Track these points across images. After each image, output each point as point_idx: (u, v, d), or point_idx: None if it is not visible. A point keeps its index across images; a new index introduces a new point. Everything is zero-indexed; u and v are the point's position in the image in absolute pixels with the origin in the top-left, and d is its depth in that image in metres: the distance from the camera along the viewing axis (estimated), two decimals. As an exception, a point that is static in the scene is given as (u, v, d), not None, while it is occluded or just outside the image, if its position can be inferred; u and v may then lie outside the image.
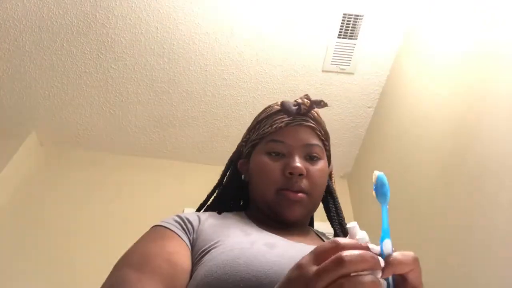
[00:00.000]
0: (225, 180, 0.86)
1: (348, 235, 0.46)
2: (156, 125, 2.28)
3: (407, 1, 1.85)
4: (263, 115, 0.82)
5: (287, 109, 0.77)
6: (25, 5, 1.86)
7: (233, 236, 0.64)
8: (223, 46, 1.98)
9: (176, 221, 0.69)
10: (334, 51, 1.97)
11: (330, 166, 0.85)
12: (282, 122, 0.77)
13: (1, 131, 2.23)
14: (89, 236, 2.01)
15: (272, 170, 0.73)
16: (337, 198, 0.86)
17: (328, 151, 0.83)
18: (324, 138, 0.81)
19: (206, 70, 2.06)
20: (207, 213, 0.77)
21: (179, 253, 0.62)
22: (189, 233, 0.67)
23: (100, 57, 2.02)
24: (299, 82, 2.09)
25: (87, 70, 2.07)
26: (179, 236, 0.65)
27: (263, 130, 0.78)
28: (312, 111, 0.81)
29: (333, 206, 0.84)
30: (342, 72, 2.05)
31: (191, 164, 2.41)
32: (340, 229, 0.81)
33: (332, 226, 0.82)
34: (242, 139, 0.87)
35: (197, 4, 1.86)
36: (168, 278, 0.57)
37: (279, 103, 0.80)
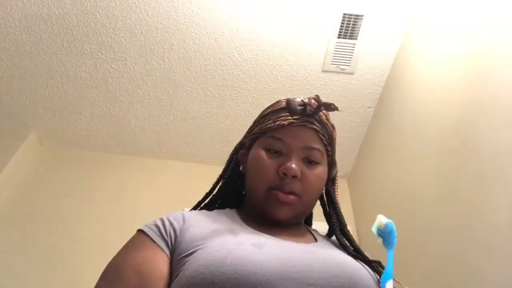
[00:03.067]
0: (228, 170, 0.85)
1: None
2: (156, 125, 2.28)
3: (407, 1, 1.85)
4: (269, 110, 0.80)
5: (292, 108, 0.75)
6: (25, 5, 1.86)
7: (219, 237, 0.63)
8: (223, 46, 1.98)
9: (156, 225, 0.69)
10: (334, 51, 1.98)
11: (334, 171, 0.82)
12: (285, 120, 0.74)
13: (1, 131, 2.23)
14: (89, 236, 2.01)
15: (266, 167, 0.72)
16: (338, 204, 0.82)
17: (330, 156, 0.79)
18: (328, 142, 0.77)
19: (206, 70, 2.07)
20: (195, 212, 0.77)
21: (149, 263, 0.62)
22: (169, 236, 0.67)
23: (100, 57, 2.02)
24: (299, 82, 2.09)
25: (87, 70, 2.07)
26: (155, 242, 0.66)
27: (266, 124, 0.77)
28: (321, 113, 0.77)
29: (334, 213, 0.80)
30: (342, 72, 2.05)
31: (191, 164, 2.41)
32: (344, 236, 0.77)
33: (334, 234, 0.78)
34: (247, 130, 0.86)
35: (197, 4, 1.87)
36: (136, 285, 0.59)
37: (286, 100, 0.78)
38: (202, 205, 0.87)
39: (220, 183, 0.85)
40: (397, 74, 1.98)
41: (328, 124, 0.79)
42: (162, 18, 1.90)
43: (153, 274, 0.61)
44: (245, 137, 0.86)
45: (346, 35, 1.94)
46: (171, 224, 0.69)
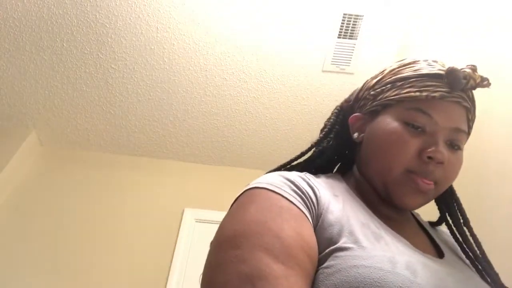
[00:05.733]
0: (331, 133, 0.70)
1: None
2: (156, 125, 2.28)
3: (407, 1, 1.85)
4: (409, 72, 0.63)
5: (453, 80, 0.60)
6: (25, 5, 1.86)
7: (362, 238, 0.51)
8: (223, 46, 1.98)
9: (295, 192, 0.55)
10: (334, 51, 1.98)
11: None
12: (436, 91, 0.59)
13: (1, 131, 2.23)
14: (89, 235, 2.01)
15: (406, 145, 0.58)
16: (458, 198, 0.69)
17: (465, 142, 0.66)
18: (471, 125, 0.65)
19: (206, 70, 2.07)
20: (312, 179, 0.61)
21: (314, 242, 0.50)
22: (313, 213, 0.54)
23: (100, 57, 2.02)
24: (299, 82, 2.09)
25: (87, 70, 2.07)
26: (307, 217, 0.52)
27: (407, 91, 0.61)
28: (472, 97, 0.64)
29: (453, 202, 0.68)
30: (342, 72, 2.05)
31: (191, 164, 2.42)
32: (471, 235, 0.65)
33: (457, 231, 0.66)
34: (367, 89, 0.68)
35: (197, 4, 1.86)
36: (310, 277, 0.47)
37: (443, 66, 0.63)
38: (294, 167, 0.71)
39: (320, 148, 0.70)
40: (397, 74, 1.98)
41: (475, 103, 0.65)
42: (162, 18, 1.90)
43: (316, 260, 0.49)
44: (362, 97, 0.69)
45: (346, 35, 1.94)
46: (310, 197, 0.55)
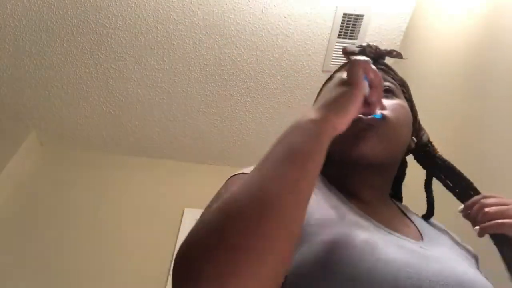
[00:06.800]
0: None
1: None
2: (156, 125, 2.28)
3: (407, 1, 1.85)
4: (328, 79, 0.70)
5: (349, 51, 0.65)
6: (25, 5, 1.86)
7: (327, 221, 0.53)
8: (223, 46, 1.98)
9: None
10: (334, 51, 1.97)
11: (425, 135, 0.72)
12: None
13: (1, 131, 2.23)
14: (88, 235, 2.01)
15: None
16: (447, 162, 0.68)
17: (410, 102, 0.68)
18: (401, 84, 0.67)
19: (206, 70, 2.06)
20: None
21: None
22: None
23: (100, 57, 2.02)
24: (299, 82, 2.09)
25: (87, 70, 2.07)
26: None
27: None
28: (385, 63, 0.67)
29: (442, 163, 0.68)
30: (342, 72, 2.04)
31: (191, 164, 2.42)
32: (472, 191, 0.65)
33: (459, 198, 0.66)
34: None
35: (197, 4, 1.86)
36: None
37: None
38: None
39: None
40: (397, 74, 1.97)
41: (396, 72, 0.68)
42: (162, 18, 1.90)
43: None
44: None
45: (346, 35, 1.93)
46: None
